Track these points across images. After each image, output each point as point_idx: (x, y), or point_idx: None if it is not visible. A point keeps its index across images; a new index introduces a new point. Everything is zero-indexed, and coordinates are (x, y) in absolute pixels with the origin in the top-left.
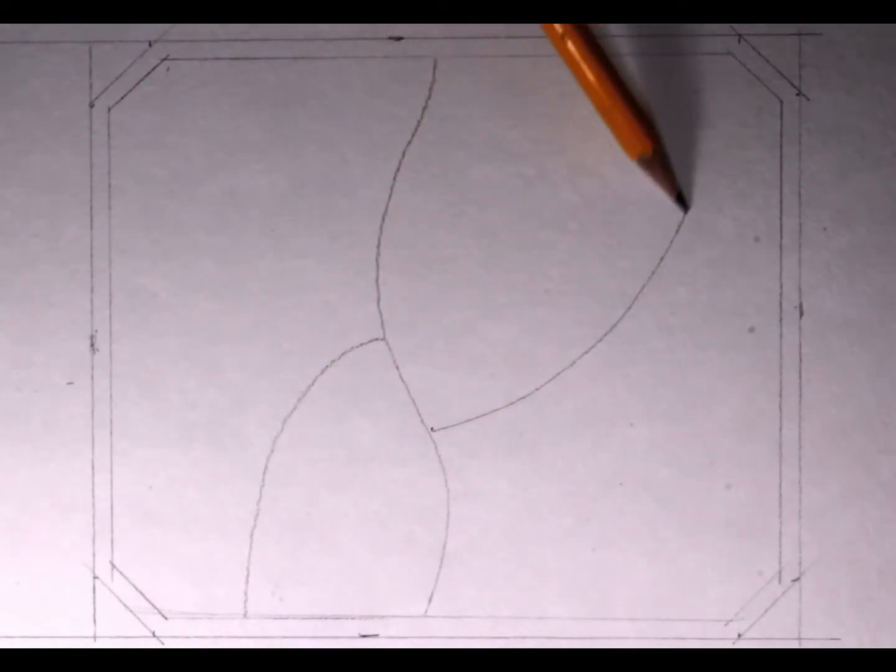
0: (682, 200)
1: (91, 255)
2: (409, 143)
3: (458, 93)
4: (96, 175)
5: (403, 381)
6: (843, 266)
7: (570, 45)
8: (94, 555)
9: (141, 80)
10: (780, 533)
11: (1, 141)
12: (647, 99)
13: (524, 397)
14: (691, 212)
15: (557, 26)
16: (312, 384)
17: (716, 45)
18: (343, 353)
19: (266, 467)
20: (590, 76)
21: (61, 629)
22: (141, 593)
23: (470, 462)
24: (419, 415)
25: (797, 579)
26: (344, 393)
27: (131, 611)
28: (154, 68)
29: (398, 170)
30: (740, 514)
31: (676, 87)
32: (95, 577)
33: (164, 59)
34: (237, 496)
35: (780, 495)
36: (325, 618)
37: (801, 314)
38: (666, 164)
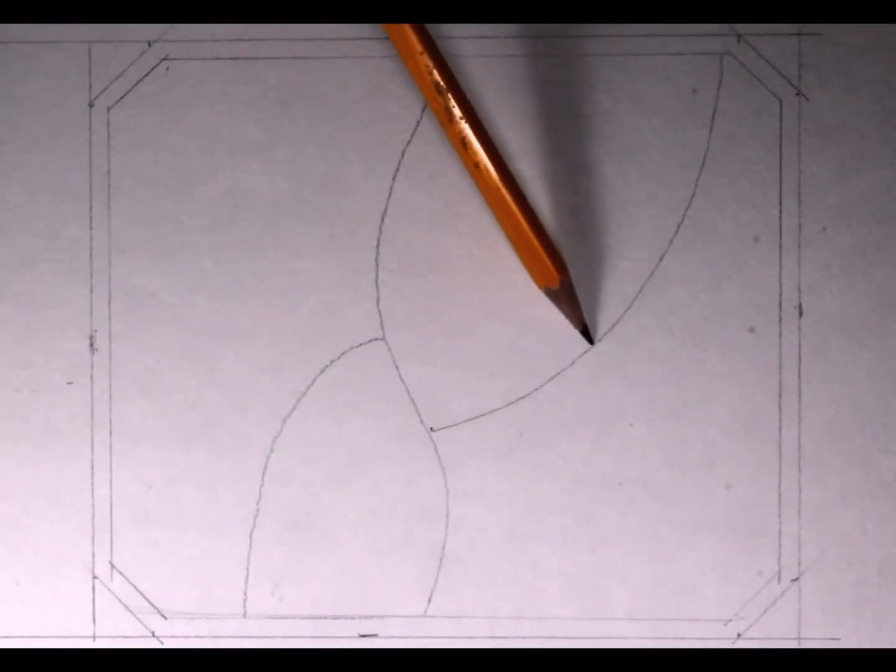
0: (587, 334)
1: (91, 255)
2: (409, 143)
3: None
4: (96, 175)
5: (403, 382)
6: (843, 266)
7: (483, 176)
8: (93, 555)
9: (140, 79)
10: (780, 533)
11: (1, 141)
12: (555, 232)
13: (524, 397)
14: (691, 211)
15: (473, 153)
16: (312, 384)
17: (715, 45)
18: (343, 353)
19: (266, 467)
20: (500, 207)
21: (61, 629)
22: (140, 593)
23: (470, 462)
24: (419, 415)
25: (796, 579)
26: (344, 393)
27: (131, 611)
28: (153, 68)
29: (398, 170)
30: (740, 514)
31: (676, 87)
32: (95, 577)
33: (164, 59)
34: (237, 496)
35: (780, 495)
36: (325, 618)
37: (801, 314)
38: (572, 296)
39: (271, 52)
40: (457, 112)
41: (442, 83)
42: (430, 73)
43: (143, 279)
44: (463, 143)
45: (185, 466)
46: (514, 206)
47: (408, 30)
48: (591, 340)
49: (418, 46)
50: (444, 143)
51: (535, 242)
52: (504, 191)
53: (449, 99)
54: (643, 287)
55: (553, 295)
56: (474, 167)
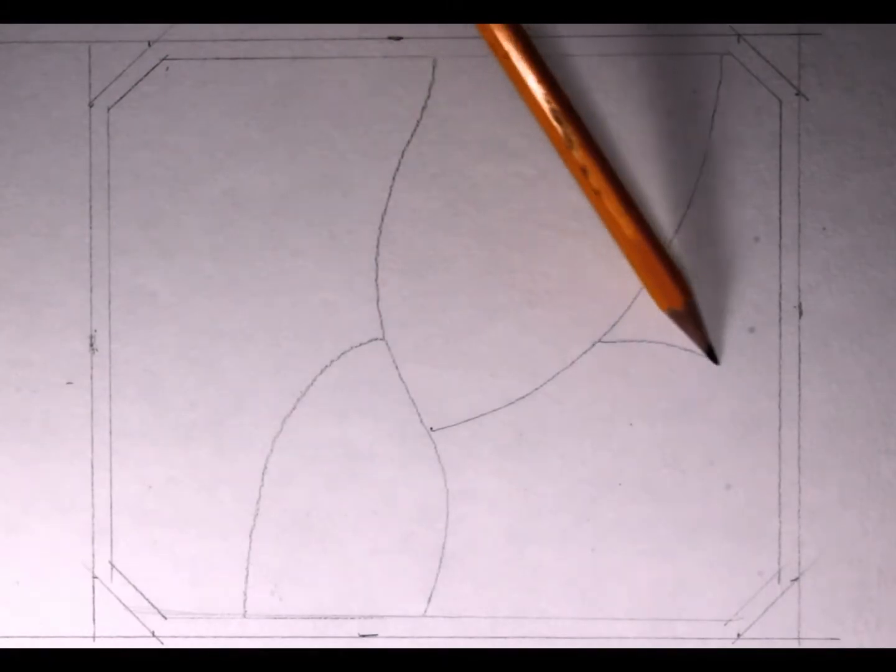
0: (713, 355)
1: (91, 255)
2: (409, 143)
3: (457, 93)
4: (96, 175)
5: (403, 381)
6: (843, 266)
7: (605, 202)
8: (93, 555)
9: (140, 79)
10: (780, 533)
11: (1, 141)
12: (678, 252)
13: (524, 397)
14: (691, 211)
15: (595, 180)
16: (312, 384)
17: (715, 45)
18: (343, 353)
19: (265, 467)
20: (626, 232)
21: (61, 629)
22: (140, 593)
23: (469, 462)
24: (419, 415)
25: (796, 579)
26: (343, 393)
27: (130, 611)
28: (153, 68)
29: (398, 170)
30: (740, 514)
31: (676, 87)
32: (95, 577)
33: (164, 59)
34: (236, 496)
35: (780, 495)
36: (325, 617)
37: (801, 314)
38: (696, 318)
39: (271, 52)
40: (577, 140)
41: (562, 112)
42: (549, 102)
43: (143, 279)
44: (583, 171)
45: (185, 466)
46: (637, 231)
47: (527, 58)
48: (716, 360)
49: (536, 75)
50: (445, 143)
51: (660, 265)
52: (626, 217)
53: (569, 127)
54: (643, 287)
55: (676, 316)
56: (595, 194)
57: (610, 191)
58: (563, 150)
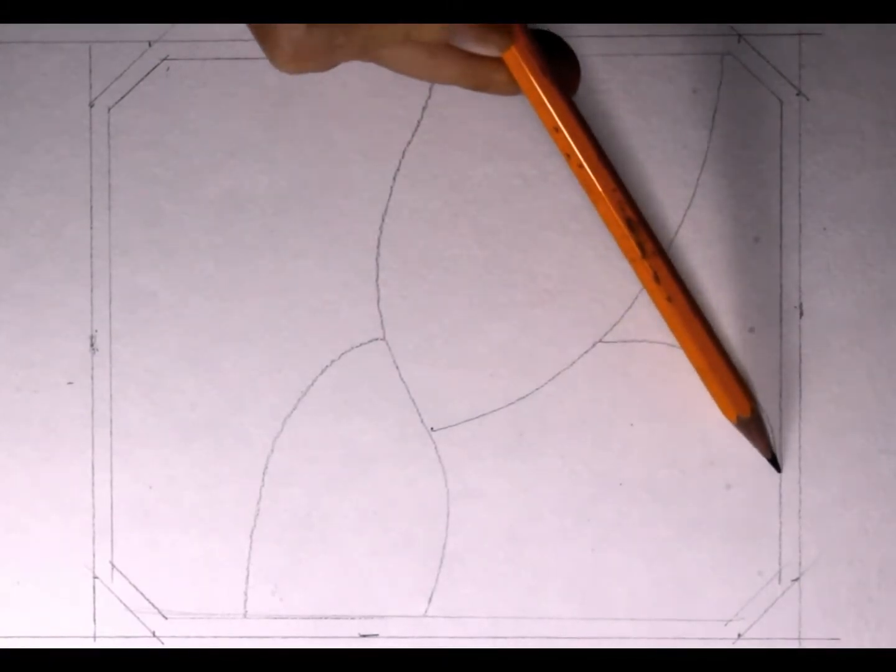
0: (775, 462)
1: (91, 255)
2: (409, 143)
3: (458, 93)
4: (96, 175)
5: (403, 381)
6: (843, 266)
7: (677, 308)
8: (94, 555)
9: (141, 80)
10: (780, 533)
11: (1, 141)
12: (742, 363)
13: (524, 397)
14: (691, 211)
15: (667, 287)
16: (312, 384)
17: (716, 45)
18: (343, 353)
19: (266, 467)
20: (692, 339)
21: (61, 629)
22: (141, 593)
23: (470, 462)
24: (419, 415)
25: (797, 579)
26: (344, 393)
27: (131, 611)
28: (154, 68)
29: (398, 170)
30: (740, 514)
31: (676, 87)
32: (95, 577)
33: (164, 59)
34: (237, 496)
35: (780, 495)
36: (325, 618)
37: (801, 314)
38: (761, 425)
39: None
40: (649, 247)
41: (635, 219)
42: (623, 210)
43: (144, 279)
44: (656, 278)
45: (185, 466)
46: (707, 339)
47: (600, 167)
48: (778, 469)
49: (611, 184)
50: (445, 142)
51: (729, 373)
52: (697, 323)
53: (642, 234)
54: (643, 287)
55: (743, 424)
56: (667, 300)
57: (682, 298)
58: (635, 259)
